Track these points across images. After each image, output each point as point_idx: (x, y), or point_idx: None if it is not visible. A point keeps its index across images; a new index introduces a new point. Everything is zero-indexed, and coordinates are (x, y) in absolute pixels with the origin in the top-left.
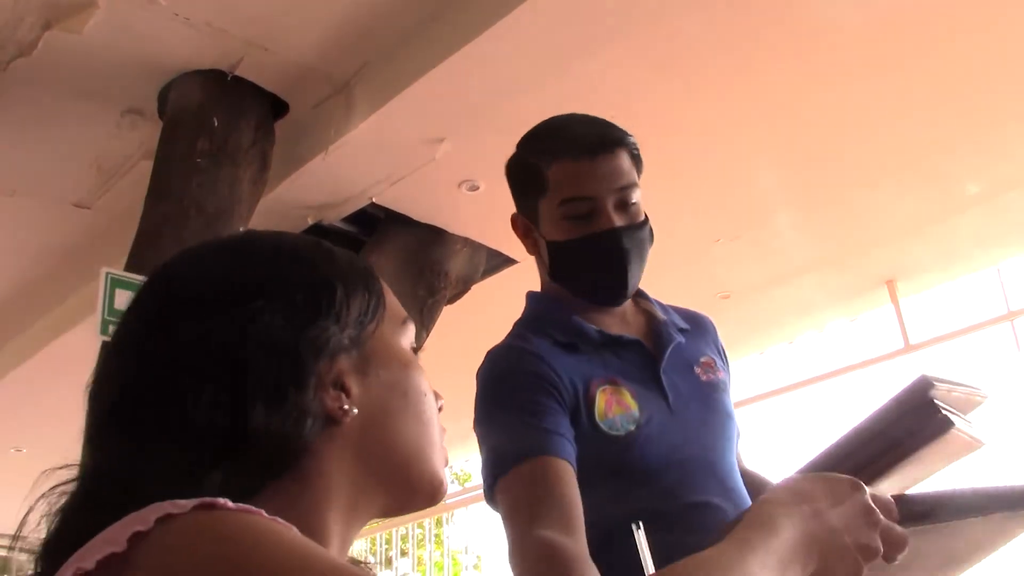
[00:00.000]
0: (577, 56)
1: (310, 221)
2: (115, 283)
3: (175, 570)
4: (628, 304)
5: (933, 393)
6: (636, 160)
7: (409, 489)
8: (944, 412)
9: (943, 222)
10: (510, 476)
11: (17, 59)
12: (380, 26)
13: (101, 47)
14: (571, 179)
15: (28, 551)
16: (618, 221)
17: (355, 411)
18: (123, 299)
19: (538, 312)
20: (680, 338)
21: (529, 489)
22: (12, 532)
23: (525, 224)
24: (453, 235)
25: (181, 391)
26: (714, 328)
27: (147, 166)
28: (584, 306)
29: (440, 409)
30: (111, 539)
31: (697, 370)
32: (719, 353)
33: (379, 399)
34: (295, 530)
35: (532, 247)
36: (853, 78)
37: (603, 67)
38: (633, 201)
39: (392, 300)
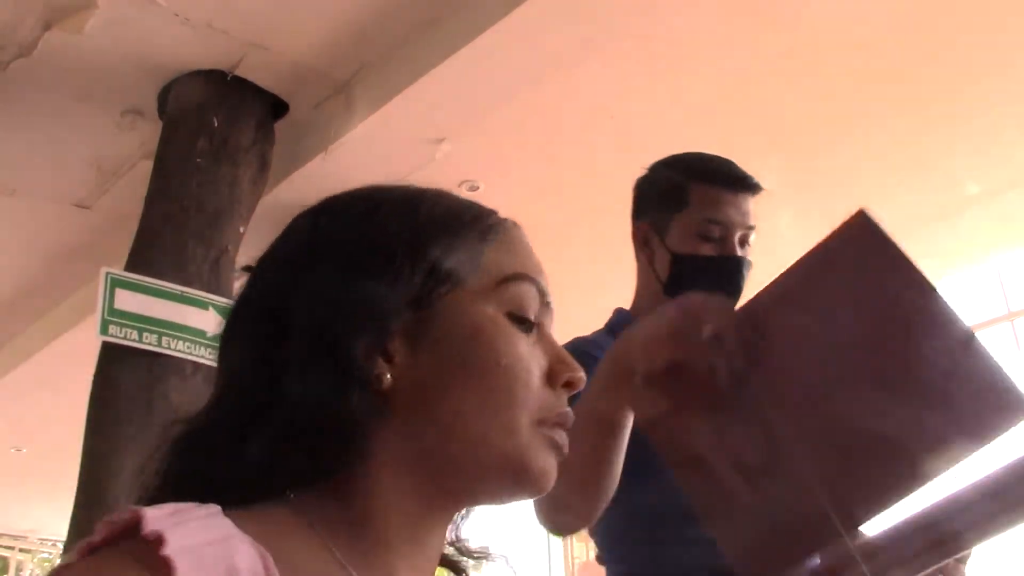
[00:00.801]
0: (576, 57)
1: None
2: (115, 283)
3: None
4: None
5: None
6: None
7: (486, 477)
8: None
9: (943, 222)
10: None
11: (17, 59)
12: (380, 26)
13: (101, 47)
14: (714, 203)
15: (27, 551)
16: (739, 253)
17: (388, 378)
18: (123, 299)
19: (617, 320)
20: None
21: None
22: (12, 532)
23: (647, 234)
24: None
25: (233, 341)
26: None
27: (147, 166)
28: None
29: (570, 385)
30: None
31: None
32: None
33: (432, 371)
34: None
35: (646, 257)
36: (852, 78)
37: (602, 68)
38: (750, 243)
39: (497, 258)
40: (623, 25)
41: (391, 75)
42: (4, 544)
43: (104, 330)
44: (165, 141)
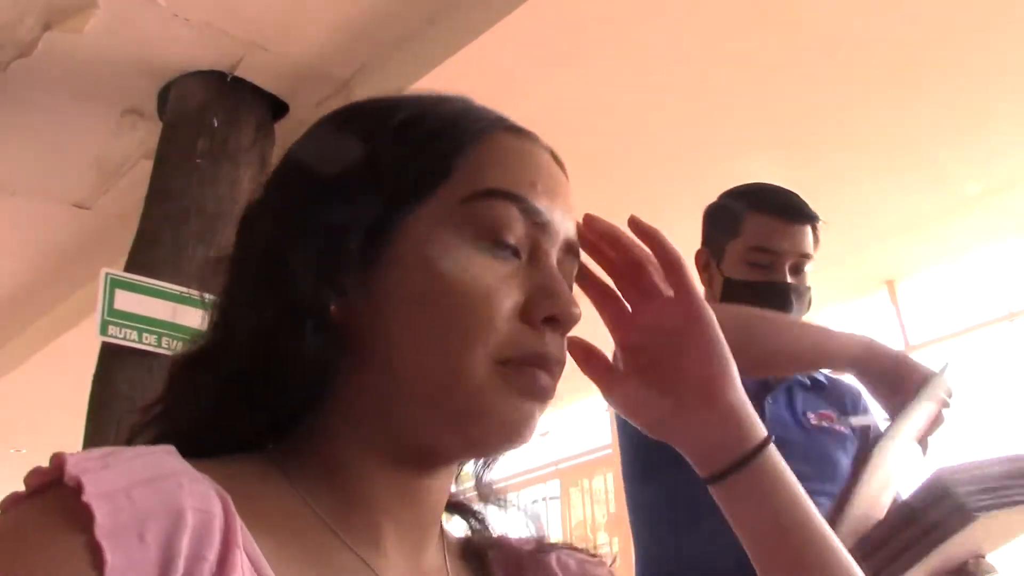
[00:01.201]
0: (575, 58)
1: None
2: (115, 283)
3: None
4: None
5: (953, 483)
6: (816, 240)
7: (442, 427)
8: (963, 502)
9: (943, 222)
10: None
11: (17, 59)
12: (380, 26)
13: (101, 47)
14: (765, 232)
15: None
16: (791, 280)
17: (334, 310)
18: (123, 299)
19: None
20: (805, 380)
21: None
22: None
23: (707, 259)
24: None
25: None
26: (856, 393)
27: (147, 166)
28: None
29: (553, 320)
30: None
31: (811, 415)
32: (852, 412)
33: (382, 306)
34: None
35: (706, 281)
36: (853, 77)
37: (601, 69)
38: (806, 270)
39: (471, 172)
40: (622, 25)
41: (391, 75)
42: None
43: (104, 330)
44: (165, 141)
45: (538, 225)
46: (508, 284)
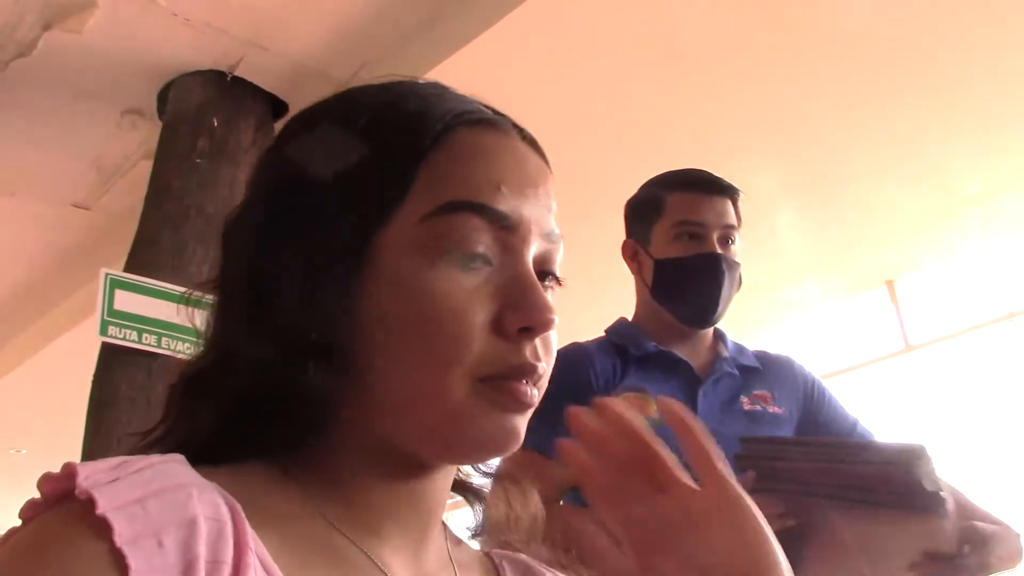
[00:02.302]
0: (575, 57)
1: None
2: (115, 283)
3: None
4: (705, 344)
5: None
6: (738, 216)
7: (432, 445)
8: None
9: (943, 222)
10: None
11: (17, 59)
12: (380, 26)
13: (101, 47)
14: (689, 206)
15: None
16: (720, 251)
17: (317, 336)
18: (123, 299)
19: (615, 327)
20: (733, 370)
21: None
22: None
23: (634, 247)
24: None
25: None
26: (794, 368)
27: (147, 166)
28: (664, 335)
29: (528, 331)
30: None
31: (743, 399)
32: (792, 389)
33: (362, 329)
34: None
35: (636, 270)
36: (853, 77)
37: (601, 68)
38: (733, 242)
39: (431, 183)
40: (623, 25)
41: (390, 75)
42: None
43: (104, 331)
44: (165, 141)
45: (505, 228)
46: (479, 297)
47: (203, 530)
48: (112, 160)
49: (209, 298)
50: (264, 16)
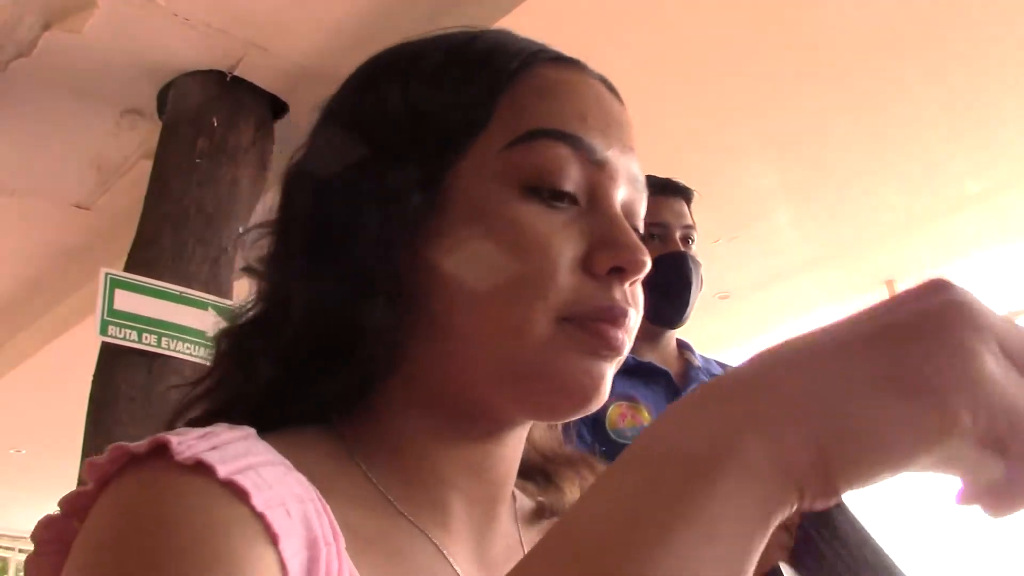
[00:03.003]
0: (576, 56)
1: None
2: (115, 283)
3: (75, 556)
4: (672, 350)
5: None
6: (691, 213)
7: (506, 391)
8: None
9: (943, 221)
10: None
11: (17, 59)
12: (380, 26)
13: (101, 47)
14: (649, 209)
15: (27, 551)
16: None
17: (395, 276)
18: (123, 299)
19: None
20: (707, 379)
21: None
22: (12, 532)
23: None
24: None
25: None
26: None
27: (147, 166)
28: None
29: (621, 271)
30: (97, 464)
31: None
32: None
33: (439, 266)
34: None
35: None
36: (852, 76)
37: (600, 68)
38: (693, 241)
39: (514, 112)
40: (623, 25)
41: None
42: (4, 544)
43: (103, 330)
44: (165, 141)
45: (594, 164)
46: (566, 233)
47: (310, 507)
48: (112, 160)
49: (209, 298)
50: (264, 16)
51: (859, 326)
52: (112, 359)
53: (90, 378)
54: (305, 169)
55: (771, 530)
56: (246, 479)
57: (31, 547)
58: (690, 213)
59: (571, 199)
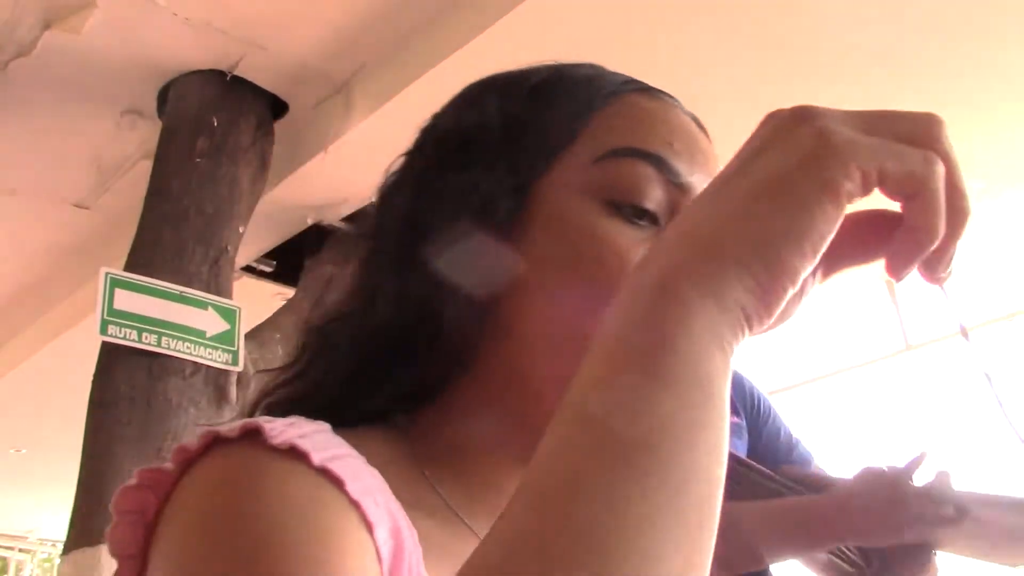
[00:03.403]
0: (575, 57)
1: (310, 221)
2: (115, 283)
3: (163, 536)
4: None
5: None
6: None
7: None
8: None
9: None
10: None
11: (17, 59)
12: (380, 26)
13: (101, 47)
14: None
15: (27, 551)
16: None
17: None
18: (123, 299)
19: None
20: None
21: None
22: (12, 532)
23: None
24: None
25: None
26: (741, 381)
27: (147, 166)
28: None
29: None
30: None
31: None
32: (739, 399)
33: (524, 275)
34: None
35: None
36: (851, 77)
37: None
38: None
39: (603, 130)
40: (622, 25)
41: (391, 75)
42: (4, 544)
43: (104, 330)
44: (165, 141)
45: (677, 187)
46: (643, 250)
47: (391, 499)
48: (112, 160)
49: (209, 297)
50: (264, 16)
51: (742, 169)
52: (112, 359)
53: (90, 378)
54: (403, 174)
55: (729, 363)
56: (339, 467)
57: (31, 547)
58: None
59: (652, 218)
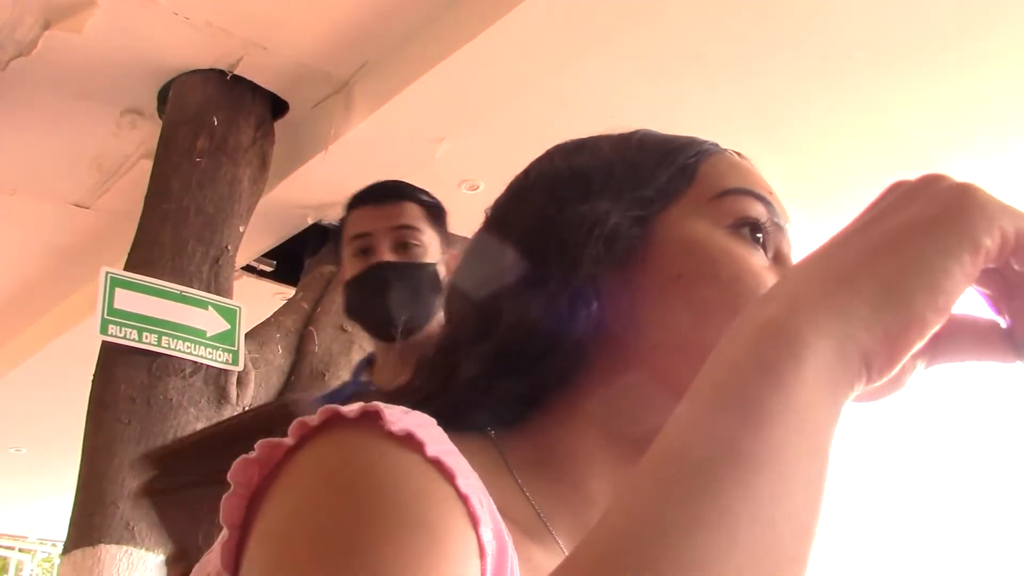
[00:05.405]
0: (576, 56)
1: (310, 220)
2: (115, 283)
3: (272, 514)
4: None
5: None
6: (430, 216)
7: None
8: None
9: None
10: None
11: (17, 59)
12: (380, 26)
13: (101, 47)
14: (356, 222)
15: (27, 551)
16: (390, 259)
17: (599, 300)
18: (123, 299)
19: None
20: None
21: None
22: (12, 532)
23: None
24: (453, 235)
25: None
26: None
27: (147, 166)
28: None
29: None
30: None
31: None
32: None
33: (643, 292)
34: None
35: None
36: (851, 77)
37: (601, 67)
38: (417, 243)
39: (714, 174)
40: (622, 25)
41: (391, 75)
42: (4, 544)
43: (104, 330)
44: (165, 141)
45: (778, 227)
46: (766, 273)
47: (492, 502)
48: (112, 160)
49: (209, 297)
50: (264, 15)
51: (874, 220)
52: (112, 358)
53: (90, 377)
54: (517, 207)
55: (839, 412)
56: (451, 461)
57: (31, 547)
58: (423, 212)
59: (764, 246)
